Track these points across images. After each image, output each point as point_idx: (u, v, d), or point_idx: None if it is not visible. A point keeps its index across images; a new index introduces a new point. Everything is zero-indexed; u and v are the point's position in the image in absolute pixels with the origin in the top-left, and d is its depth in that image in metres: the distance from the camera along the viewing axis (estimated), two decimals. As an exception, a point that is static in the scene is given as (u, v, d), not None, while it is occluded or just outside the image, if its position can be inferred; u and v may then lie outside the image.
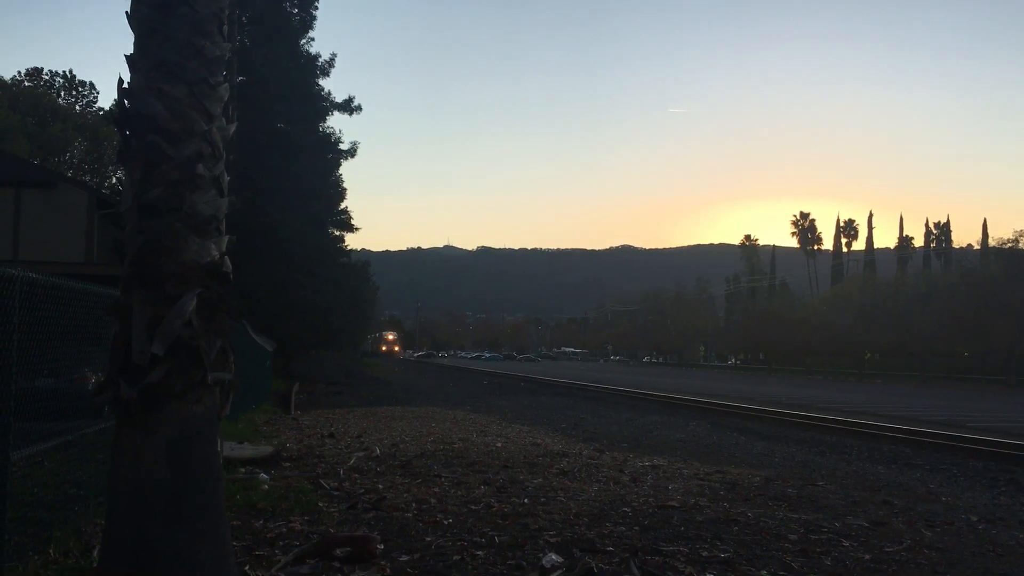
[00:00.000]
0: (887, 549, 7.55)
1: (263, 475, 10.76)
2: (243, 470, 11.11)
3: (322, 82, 39.07)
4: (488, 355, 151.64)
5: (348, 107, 39.88)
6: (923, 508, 10.16)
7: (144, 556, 4.82)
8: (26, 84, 61.13)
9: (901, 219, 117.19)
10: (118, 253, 5.26)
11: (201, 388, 5.08)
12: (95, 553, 6.21)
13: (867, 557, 7.21)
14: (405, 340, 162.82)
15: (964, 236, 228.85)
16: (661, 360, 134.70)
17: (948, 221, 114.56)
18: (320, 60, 38.61)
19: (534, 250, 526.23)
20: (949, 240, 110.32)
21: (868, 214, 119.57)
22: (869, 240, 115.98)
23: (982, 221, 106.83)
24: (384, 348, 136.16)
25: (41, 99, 58.68)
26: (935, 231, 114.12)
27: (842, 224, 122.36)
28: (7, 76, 61.49)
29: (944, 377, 65.49)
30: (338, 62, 39.09)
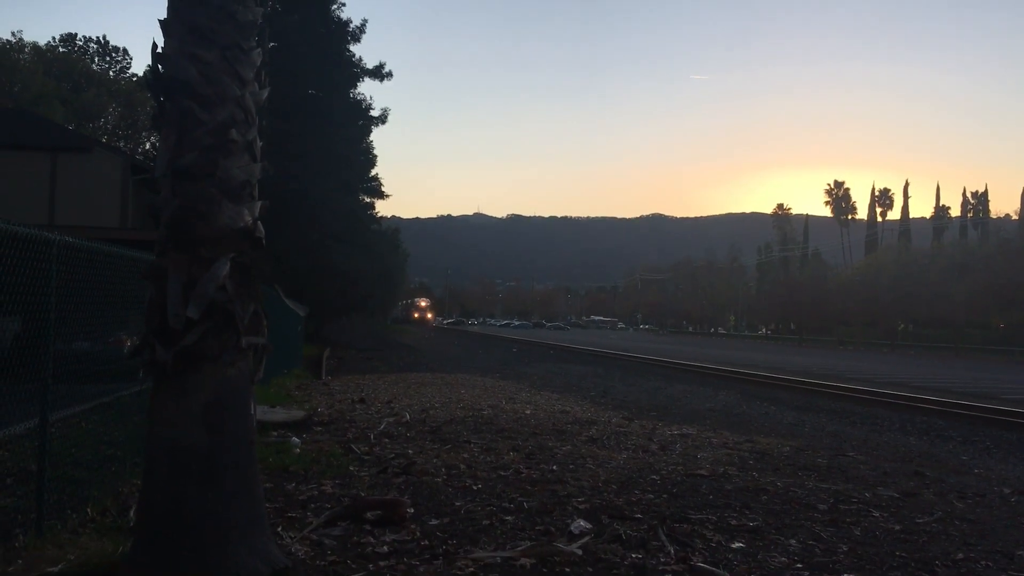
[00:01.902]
0: (918, 520, 7.50)
1: (295, 439, 10.90)
2: (275, 434, 11.26)
3: (353, 48, 39.01)
4: (517, 323, 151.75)
5: (379, 73, 39.77)
6: (955, 480, 10.08)
7: (179, 516, 4.91)
8: (60, 50, 61.55)
9: (938, 188, 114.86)
10: (153, 218, 5.30)
11: (235, 351, 5.13)
12: (131, 512, 6.33)
13: (897, 528, 7.18)
14: (435, 307, 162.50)
15: (1002, 205, 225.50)
16: (691, 329, 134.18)
17: (986, 190, 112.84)
18: (351, 26, 38.48)
19: (564, 218, 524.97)
20: (987, 209, 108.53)
21: (904, 183, 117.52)
22: (904, 209, 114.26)
23: (1021, 190, 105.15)
24: (416, 315, 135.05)
25: (75, 65, 59.12)
26: (972, 200, 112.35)
27: (877, 193, 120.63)
28: (41, 42, 62.10)
29: (979, 348, 64.70)
30: (369, 28, 38.94)
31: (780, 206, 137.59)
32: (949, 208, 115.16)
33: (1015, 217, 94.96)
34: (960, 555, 6.40)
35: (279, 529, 6.35)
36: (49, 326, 5.97)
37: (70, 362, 6.61)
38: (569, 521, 6.91)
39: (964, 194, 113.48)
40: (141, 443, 6.85)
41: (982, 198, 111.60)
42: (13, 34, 58.31)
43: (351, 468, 9.21)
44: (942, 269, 71.08)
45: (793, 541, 6.59)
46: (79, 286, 6.43)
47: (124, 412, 7.96)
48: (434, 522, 6.81)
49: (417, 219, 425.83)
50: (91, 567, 5.18)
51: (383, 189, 47.36)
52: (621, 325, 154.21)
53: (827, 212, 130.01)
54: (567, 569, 5.68)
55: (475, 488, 8.23)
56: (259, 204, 5.51)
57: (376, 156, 45.33)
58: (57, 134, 30.88)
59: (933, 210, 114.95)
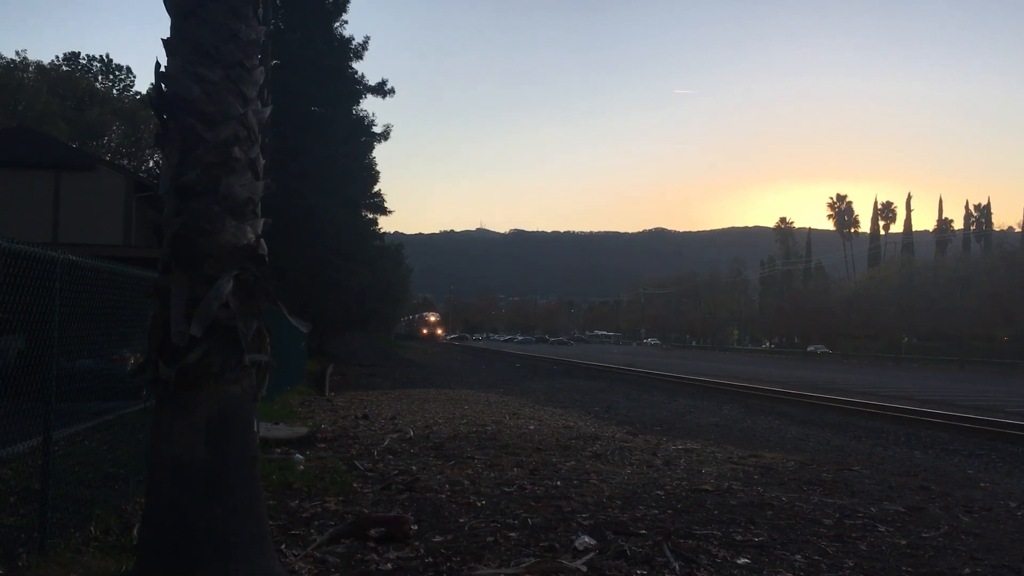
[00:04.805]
0: (924, 535, 7.47)
1: (298, 456, 10.86)
2: (279, 450, 11.23)
3: (355, 65, 39.08)
4: (521, 338, 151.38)
5: (381, 90, 39.89)
6: (961, 494, 10.03)
7: (182, 533, 4.89)
8: (64, 68, 61.76)
9: (940, 201, 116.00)
10: (156, 235, 5.30)
11: (238, 369, 5.13)
12: (135, 531, 6.31)
13: (903, 543, 7.14)
14: (443, 322, 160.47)
15: (1005, 218, 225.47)
16: (695, 344, 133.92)
17: (989, 203, 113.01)
18: (353, 43, 38.58)
19: (567, 233, 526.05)
20: (989, 222, 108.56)
21: (906, 196, 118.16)
22: (907, 223, 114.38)
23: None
24: (425, 331, 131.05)
25: (79, 83, 59.32)
26: (975, 213, 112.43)
27: (880, 206, 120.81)
28: (45, 61, 62.22)
29: (983, 361, 64.48)
30: (371, 45, 39.04)
31: (783, 219, 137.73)
32: (952, 221, 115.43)
33: (1018, 230, 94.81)
34: (967, 570, 6.36)
35: (282, 546, 6.33)
36: (52, 344, 5.97)
37: (74, 380, 6.61)
38: (573, 537, 6.88)
39: (967, 207, 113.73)
40: (144, 461, 6.84)
41: (985, 211, 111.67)
42: (17, 53, 58.37)
43: (354, 485, 9.19)
44: (945, 282, 71.11)
45: (799, 556, 6.57)
46: (82, 304, 6.43)
47: (127, 430, 7.95)
48: (438, 539, 6.79)
49: (420, 235, 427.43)
50: (94, 586, 5.17)
51: (386, 205, 47.60)
52: (648, 340, 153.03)
53: (830, 225, 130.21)
54: (572, 586, 5.65)
55: (479, 504, 8.21)
56: (262, 221, 5.52)
57: (379, 172, 45.62)
58: (61, 152, 30.94)
59: (936, 223, 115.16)
